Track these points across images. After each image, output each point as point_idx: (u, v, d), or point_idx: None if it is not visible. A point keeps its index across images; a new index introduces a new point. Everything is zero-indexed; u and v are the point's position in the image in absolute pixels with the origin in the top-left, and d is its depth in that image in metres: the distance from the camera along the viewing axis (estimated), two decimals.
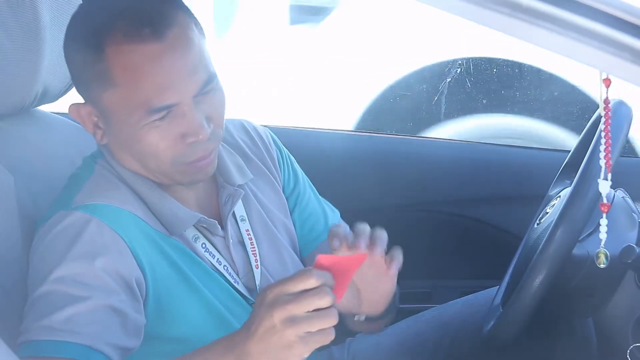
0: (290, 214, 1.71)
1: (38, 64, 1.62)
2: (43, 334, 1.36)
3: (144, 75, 1.39)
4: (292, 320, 1.24)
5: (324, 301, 1.24)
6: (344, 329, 1.78)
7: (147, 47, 1.39)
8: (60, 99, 1.79)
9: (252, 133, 1.70)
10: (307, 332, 1.24)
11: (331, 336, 1.25)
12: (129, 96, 1.40)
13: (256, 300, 1.30)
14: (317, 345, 1.25)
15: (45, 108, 1.81)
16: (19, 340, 1.38)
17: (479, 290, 1.96)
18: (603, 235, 1.33)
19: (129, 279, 1.43)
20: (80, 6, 1.51)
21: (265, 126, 1.78)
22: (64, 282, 1.39)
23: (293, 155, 1.77)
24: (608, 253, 1.41)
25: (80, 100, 1.51)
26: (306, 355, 1.26)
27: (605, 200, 1.29)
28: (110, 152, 1.53)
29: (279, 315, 1.24)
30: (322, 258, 1.29)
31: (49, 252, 1.43)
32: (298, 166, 1.75)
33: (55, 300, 1.38)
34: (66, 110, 1.51)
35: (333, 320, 1.25)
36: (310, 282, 1.25)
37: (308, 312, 1.24)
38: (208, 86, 1.44)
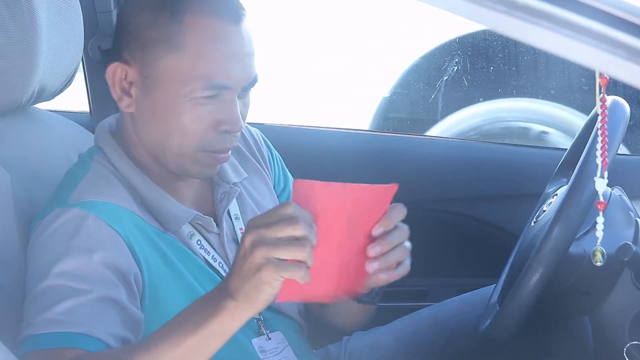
0: None
1: (35, 62, 1.62)
2: (45, 327, 1.36)
3: (215, 50, 1.45)
4: (261, 242, 1.20)
5: (295, 229, 1.20)
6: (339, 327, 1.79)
7: (224, 26, 1.45)
8: (56, 97, 1.79)
9: (245, 132, 1.72)
10: (277, 259, 1.20)
11: (302, 272, 1.21)
12: (193, 66, 1.44)
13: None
14: (288, 275, 1.20)
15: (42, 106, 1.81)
16: (20, 337, 1.38)
17: (476, 289, 1.96)
18: (600, 233, 1.34)
19: (127, 274, 1.43)
20: None
21: (262, 124, 1.79)
22: (65, 276, 1.39)
23: (292, 154, 1.78)
24: (604, 251, 1.41)
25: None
26: (276, 285, 1.22)
27: (601, 199, 1.29)
28: (123, 129, 1.54)
29: (249, 238, 1.22)
30: (298, 182, 1.24)
31: (48, 248, 1.44)
32: (285, 167, 1.77)
33: (56, 294, 1.38)
34: (62, 109, 1.52)
35: (302, 253, 1.20)
36: (287, 211, 1.22)
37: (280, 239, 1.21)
38: (252, 85, 1.50)
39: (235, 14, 1.48)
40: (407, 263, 1.36)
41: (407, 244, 1.35)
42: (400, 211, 1.33)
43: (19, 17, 1.58)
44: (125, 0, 1.55)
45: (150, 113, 1.49)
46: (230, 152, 1.53)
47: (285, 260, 1.21)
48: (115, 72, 1.50)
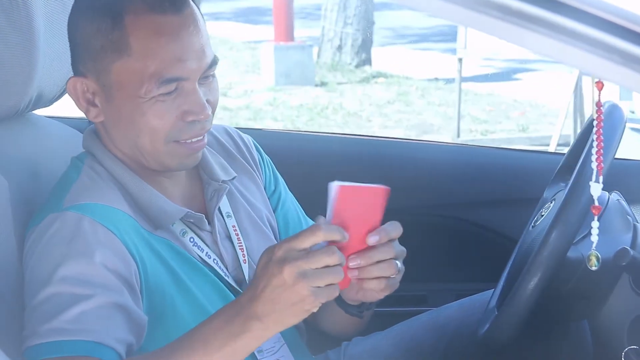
0: (274, 213, 1.73)
1: (32, 69, 1.62)
2: (53, 335, 1.36)
3: (160, 46, 1.44)
4: (303, 275, 1.25)
5: (332, 258, 1.26)
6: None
7: (166, 19, 1.45)
8: (54, 104, 1.79)
9: (235, 136, 1.74)
10: (317, 287, 1.26)
11: (337, 292, 1.28)
12: (143, 66, 1.44)
13: (260, 261, 1.31)
14: (326, 300, 1.27)
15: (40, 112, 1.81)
16: (25, 346, 1.38)
17: (475, 293, 1.96)
18: (595, 237, 1.34)
19: (127, 275, 1.44)
20: None
21: (255, 130, 1.80)
22: (67, 281, 1.39)
23: (291, 159, 1.78)
24: (600, 255, 1.41)
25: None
26: (315, 309, 1.28)
27: (597, 203, 1.29)
28: (101, 137, 1.55)
29: (289, 271, 1.26)
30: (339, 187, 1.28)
31: (47, 254, 1.44)
32: (276, 171, 1.78)
33: (61, 301, 1.38)
34: (61, 115, 1.52)
35: (340, 277, 1.27)
36: (318, 237, 1.27)
37: (317, 268, 1.26)
38: (211, 69, 1.49)
39: (176, 3, 1.46)
40: (394, 282, 1.40)
41: (399, 264, 1.39)
42: (397, 229, 1.37)
43: (16, 24, 1.59)
44: (70, 14, 1.54)
45: (117, 118, 1.50)
46: (205, 138, 1.53)
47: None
48: (75, 86, 1.51)
